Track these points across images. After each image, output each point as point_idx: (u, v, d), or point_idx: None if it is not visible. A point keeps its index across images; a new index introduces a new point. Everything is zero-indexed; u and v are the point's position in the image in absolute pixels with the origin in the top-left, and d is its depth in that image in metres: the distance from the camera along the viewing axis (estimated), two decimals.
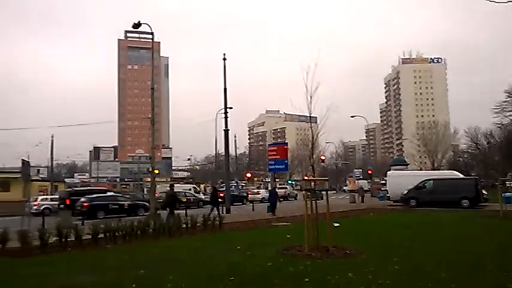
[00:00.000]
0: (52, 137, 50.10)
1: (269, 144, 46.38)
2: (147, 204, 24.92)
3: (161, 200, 23.25)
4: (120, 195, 29.78)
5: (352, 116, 53.33)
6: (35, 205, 27.27)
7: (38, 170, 68.12)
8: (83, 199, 24.39)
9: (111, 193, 29.73)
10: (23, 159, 17.43)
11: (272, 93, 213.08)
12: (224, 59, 27.08)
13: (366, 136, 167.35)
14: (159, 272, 7.54)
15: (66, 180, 72.44)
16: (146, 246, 11.01)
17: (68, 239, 11.09)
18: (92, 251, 10.48)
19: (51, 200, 29.20)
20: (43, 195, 33.81)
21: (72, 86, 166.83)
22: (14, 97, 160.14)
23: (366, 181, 55.86)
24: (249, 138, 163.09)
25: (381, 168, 75.35)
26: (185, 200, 31.61)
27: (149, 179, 39.11)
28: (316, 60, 11.40)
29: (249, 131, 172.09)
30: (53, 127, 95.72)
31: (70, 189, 32.63)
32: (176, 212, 17.05)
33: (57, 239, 10.93)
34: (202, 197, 39.44)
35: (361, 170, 56.67)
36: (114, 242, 11.68)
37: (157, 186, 34.00)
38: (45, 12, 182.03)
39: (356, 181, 50.21)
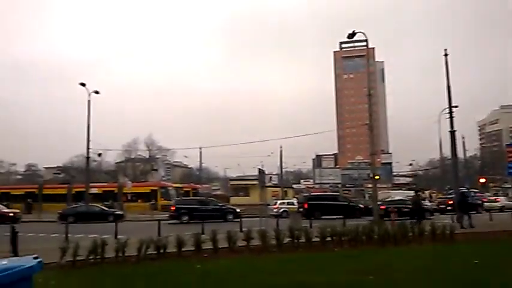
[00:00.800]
0: (281, 147, 55.55)
1: (507, 145, 39.95)
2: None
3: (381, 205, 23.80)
4: (407, 199, 31.52)
5: None
6: (274, 208, 30.87)
7: (270, 177, 76.44)
8: (379, 202, 27.00)
9: (400, 198, 33.05)
10: (259, 168, 20.02)
11: (506, 86, 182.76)
12: (445, 55, 24.79)
13: None
14: (389, 280, 7.40)
15: (294, 186, 78.95)
16: (372, 252, 10.98)
17: (299, 240, 12.09)
18: (320, 253, 11.10)
19: (288, 204, 32.54)
20: (275, 199, 37.80)
21: (296, 100, 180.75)
22: (251, 113, 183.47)
23: None
24: (480, 139, 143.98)
25: None
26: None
27: (370, 185, 38.98)
28: None
29: (479, 130, 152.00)
30: (281, 139, 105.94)
31: (307, 195, 35.93)
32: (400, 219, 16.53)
33: (290, 240, 12.05)
34: (428, 204, 36.95)
35: None
36: (341, 245, 12.09)
37: (379, 192, 33.68)
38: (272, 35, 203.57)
39: None
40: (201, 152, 59.27)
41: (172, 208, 27.30)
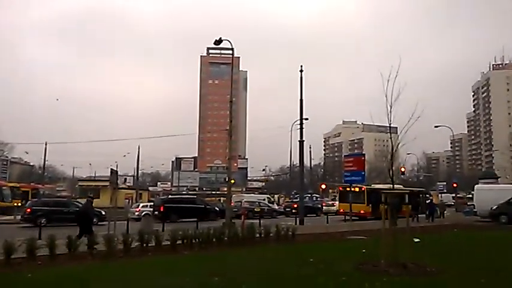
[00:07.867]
0: (138, 147, 53.47)
1: (345, 155, 45.38)
2: None
3: (236, 209, 24.19)
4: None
5: (436, 126, 50.13)
6: (136, 211, 28.98)
7: (125, 179, 73.00)
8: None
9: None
10: (111, 169, 18.80)
11: (349, 104, 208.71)
12: (301, 71, 27.03)
13: (451, 147, 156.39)
14: (233, 280, 7.62)
15: (150, 188, 76.72)
16: (221, 255, 11.23)
17: (149, 244, 11.70)
18: (171, 256, 10.91)
19: (150, 206, 30.66)
20: (129, 202, 36.11)
21: (157, 101, 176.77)
22: (111, 110, 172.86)
23: (450, 195, 52.39)
24: (324, 150, 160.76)
25: (468, 182, 69.83)
26: (259, 210, 31.87)
27: (226, 189, 40.10)
28: (397, 68, 10.75)
29: (324, 142, 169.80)
30: (139, 138, 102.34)
31: (164, 197, 34.60)
32: (250, 221, 17.30)
33: (139, 244, 11.56)
34: (276, 207, 39.75)
35: (445, 183, 53.25)
36: (191, 248, 12.09)
37: (233, 195, 34.74)
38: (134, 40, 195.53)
39: (439, 195, 47.34)
40: (45, 148, 53.57)
41: (27, 210, 24.24)
